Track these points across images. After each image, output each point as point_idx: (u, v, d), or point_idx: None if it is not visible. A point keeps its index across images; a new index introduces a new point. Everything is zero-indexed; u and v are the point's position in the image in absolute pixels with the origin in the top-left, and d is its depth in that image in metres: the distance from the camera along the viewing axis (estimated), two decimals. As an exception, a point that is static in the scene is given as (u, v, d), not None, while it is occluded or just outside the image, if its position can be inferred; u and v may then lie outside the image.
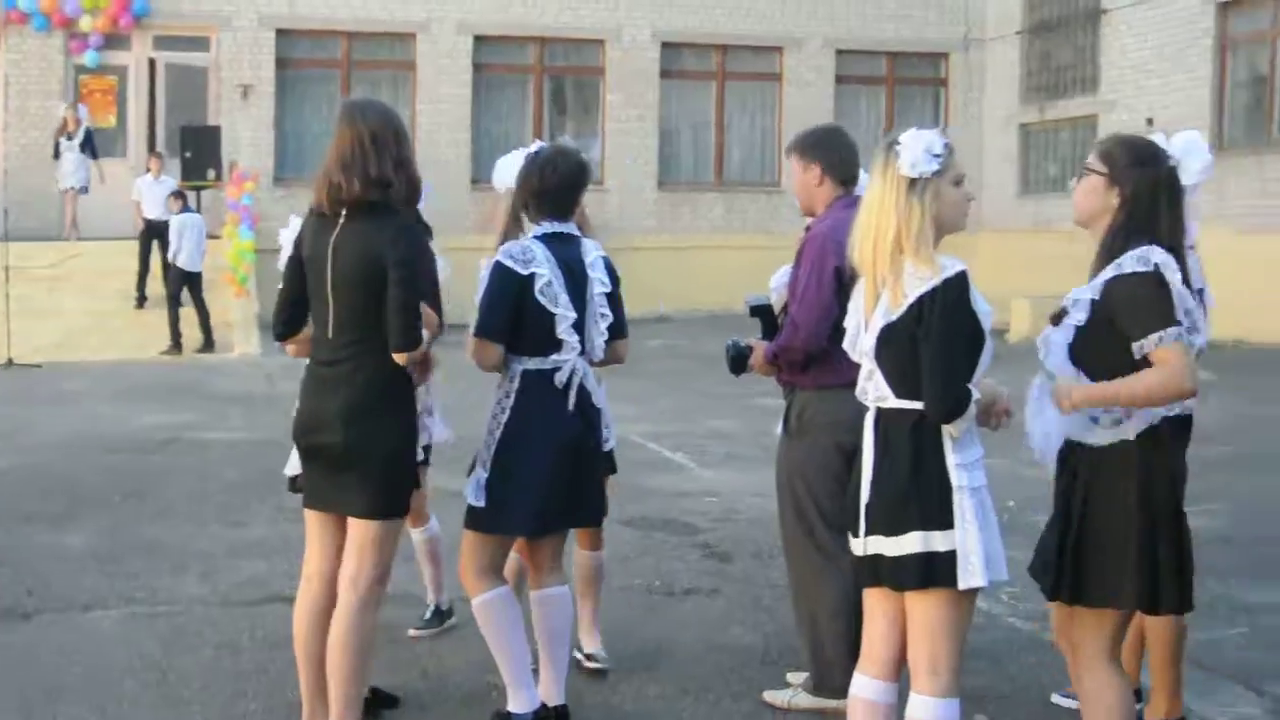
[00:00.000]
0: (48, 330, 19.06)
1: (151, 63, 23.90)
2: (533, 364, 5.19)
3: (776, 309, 5.66)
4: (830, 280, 5.29)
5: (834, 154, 5.58)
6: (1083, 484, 4.17)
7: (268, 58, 24.51)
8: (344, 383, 4.87)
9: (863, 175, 6.07)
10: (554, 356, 5.20)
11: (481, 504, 5.19)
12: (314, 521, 5.13)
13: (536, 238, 5.25)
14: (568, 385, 5.21)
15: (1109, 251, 4.16)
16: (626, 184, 25.48)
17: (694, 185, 26.56)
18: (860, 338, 4.13)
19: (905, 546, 3.99)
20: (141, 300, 21.10)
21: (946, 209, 4.04)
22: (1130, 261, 4.08)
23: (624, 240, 21.02)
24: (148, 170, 21.41)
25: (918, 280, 3.96)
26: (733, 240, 25.51)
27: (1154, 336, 3.99)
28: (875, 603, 4.19)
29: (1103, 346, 4.09)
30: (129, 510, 9.36)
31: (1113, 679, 4.21)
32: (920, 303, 3.95)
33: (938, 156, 3.99)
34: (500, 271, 5.16)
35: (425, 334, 4.88)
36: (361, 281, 4.84)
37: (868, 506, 4.07)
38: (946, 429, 3.96)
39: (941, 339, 3.92)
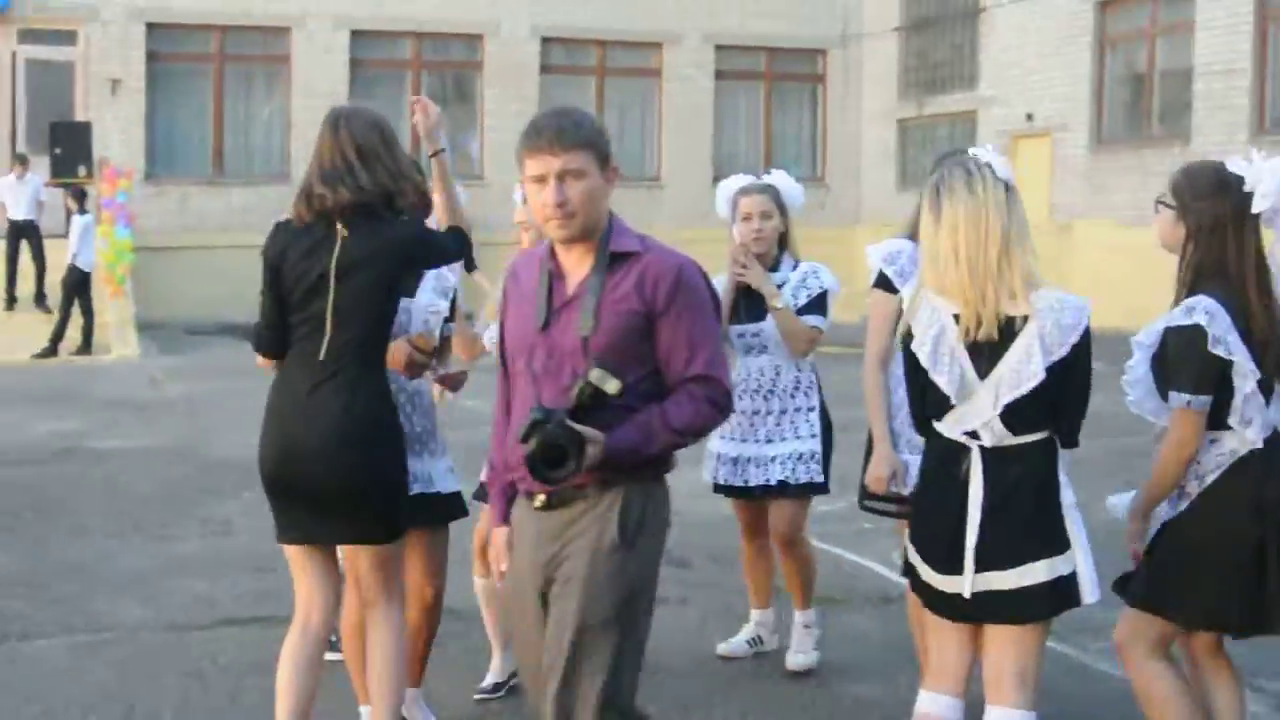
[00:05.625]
0: (-85, 336, 18.29)
1: (14, 57, 23.07)
2: None
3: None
4: None
5: None
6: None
7: (138, 52, 23.75)
8: (334, 409, 4.43)
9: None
10: None
11: None
12: (303, 556, 4.65)
13: None
14: None
15: (1181, 286, 4.15)
16: (508, 181, 24.90)
17: (575, 181, 26.13)
18: (976, 393, 3.87)
19: (1031, 576, 3.84)
20: (11, 302, 20.47)
21: None
22: (1179, 313, 4.08)
23: (505, 235, 20.64)
24: (10, 171, 20.64)
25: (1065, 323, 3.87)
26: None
27: (1173, 396, 4.08)
28: (951, 628, 4.02)
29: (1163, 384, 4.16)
30: (42, 528, 8.86)
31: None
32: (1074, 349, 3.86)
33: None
34: None
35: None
36: (371, 301, 4.47)
37: (979, 546, 3.86)
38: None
39: (1084, 378, 3.90)
